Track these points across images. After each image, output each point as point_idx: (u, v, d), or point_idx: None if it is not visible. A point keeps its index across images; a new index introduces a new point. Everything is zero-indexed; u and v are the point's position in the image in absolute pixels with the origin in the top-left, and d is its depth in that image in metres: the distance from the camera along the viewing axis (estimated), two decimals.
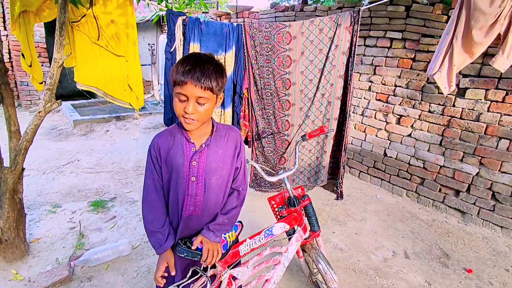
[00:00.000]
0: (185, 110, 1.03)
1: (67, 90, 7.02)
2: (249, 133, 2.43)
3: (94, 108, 6.10)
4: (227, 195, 1.27)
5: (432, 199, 3.10)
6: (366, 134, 3.57)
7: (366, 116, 3.53)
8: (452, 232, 2.73)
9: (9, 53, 5.96)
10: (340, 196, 2.60)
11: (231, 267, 1.34)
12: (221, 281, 1.30)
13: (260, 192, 2.75)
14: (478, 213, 2.80)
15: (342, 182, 2.54)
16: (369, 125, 3.52)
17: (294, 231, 1.64)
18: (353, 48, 2.15)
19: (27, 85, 6.08)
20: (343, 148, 2.37)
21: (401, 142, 3.26)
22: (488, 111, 2.64)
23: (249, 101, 2.26)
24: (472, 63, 2.54)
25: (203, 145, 1.15)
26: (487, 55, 2.53)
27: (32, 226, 2.51)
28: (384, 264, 2.29)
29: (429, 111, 2.99)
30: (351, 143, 3.74)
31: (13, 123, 2.05)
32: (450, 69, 1.96)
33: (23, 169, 2.09)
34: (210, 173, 1.17)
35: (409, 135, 3.18)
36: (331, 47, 2.16)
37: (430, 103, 2.98)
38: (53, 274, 1.97)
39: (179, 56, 2.05)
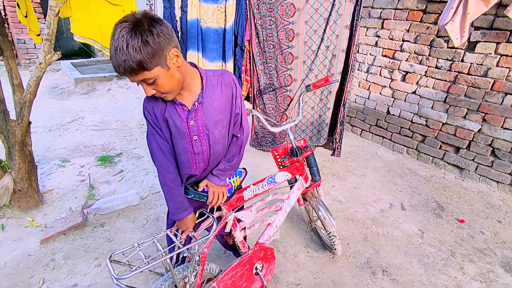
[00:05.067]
0: (146, 95, 0.98)
1: (65, 49, 6.88)
2: (250, 89, 2.40)
3: (94, 67, 5.99)
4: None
5: (432, 156, 3.15)
6: (370, 92, 3.53)
7: (371, 73, 3.46)
8: (449, 187, 2.82)
9: (4, 9, 5.73)
10: (334, 152, 2.59)
11: (235, 210, 1.42)
12: (226, 223, 1.39)
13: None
14: (476, 169, 2.86)
15: (338, 139, 2.52)
16: (373, 83, 3.46)
17: (296, 180, 1.71)
18: None
19: (24, 42, 5.93)
20: (343, 103, 2.35)
21: (405, 100, 3.23)
22: (497, 66, 2.57)
23: (251, 54, 2.20)
24: (485, 14, 2.44)
25: (196, 104, 1.07)
26: (501, 5, 2.40)
27: (44, 179, 2.62)
28: (381, 215, 2.39)
29: (436, 67, 2.92)
30: (355, 101, 3.71)
31: (15, 76, 2.04)
32: (464, 18, 1.88)
33: (29, 122, 2.13)
34: (211, 127, 1.13)
35: (414, 92, 3.14)
36: None
37: (438, 59, 2.90)
38: (68, 220, 2.10)
39: (177, 3, 1.96)
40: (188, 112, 1.08)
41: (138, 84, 0.94)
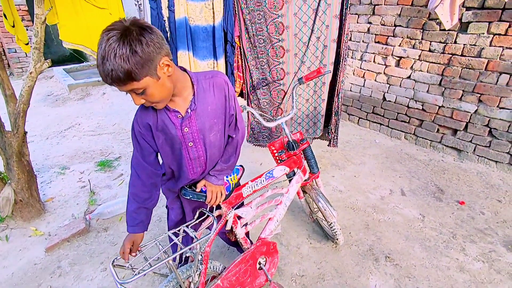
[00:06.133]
0: (135, 104, 0.96)
1: (57, 56, 6.83)
2: (244, 85, 2.39)
3: (87, 71, 5.96)
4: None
5: (430, 140, 3.16)
6: (365, 80, 3.51)
7: (365, 61, 3.44)
8: (448, 169, 2.83)
9: None
10: (331, 142, 2.58)
11: (235, 207, 1.43)
12: (226, 221, 1.40)
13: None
14: (474, 150, 2.86)
15: (334, 129, 2.51)
16: (368, 70, 3.45)
17: (294, 174, 1.71)
18: None
19: (15, 51, 5.89)
20: (336, 93, 2.34)
21: (400, 85, 3.22)
22: (490, 45, 2.56)
23: (241, 50, 2.18)
24: None
25: (189, 111, 1.06)
26: None
27: (45, 187, 2.63)
28: (381, 202, 2.41)
29: (430, 50, 2.91)
30: (350, 90, 3.70)
31: (7, 87, 2.03)
32: (453, 0, 1.86)
33: (25, 132, 2.13)
34: (206, 132, 1.13)
35: (409, 77, 3.13)
36: None
37: (430, 42, 2.88)
38: (71, 227, 2.11)
39: (164, 3, 1.94)
40: (181, 119, 1.07)
41: (126, 93, 0.93)
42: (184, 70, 1.09)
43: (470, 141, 2.86)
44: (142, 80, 0.86)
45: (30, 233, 2.14)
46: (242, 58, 2.22)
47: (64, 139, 3.51)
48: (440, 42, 2.82)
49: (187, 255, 1.38)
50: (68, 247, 2.01)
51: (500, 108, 2.62)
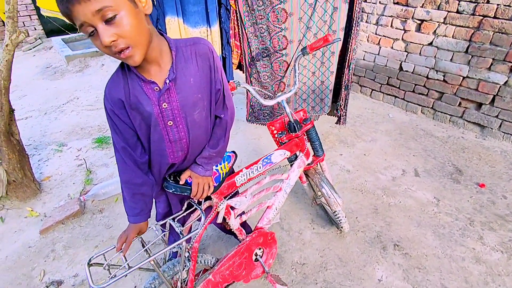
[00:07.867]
0: (103, 44, 0.73)
1: (56, 25, 6.55)
2: (242, 56, 2.13)
3: (86, 41, 5.70)
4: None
5: (449, 115, 2.89)
6: (380, 47, 3.18)
7: (381, 25, 3.08)
8: (468, 147, 2.59)
9: None
10: (340, 120, 2.35)
11: (227, 198, 1.29)
12: (218, 212, 1.26)
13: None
14: (500, 126, 2.60)
15: (343, 105, 2.27)
16: (384, 36, 3.10)
17: (296, 157, 1.55)
18: None
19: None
20: (347, 65, 2.06)
21: (420, 53, 2.89)
22: None
23: (238, 14, 1.90)
24: None
25: (167, 82, 0.89)
26: None
27: (42, 166, 2.56)
28: (392, 183, 2.24)
29: (457, 12, 2.54)
30: (363, 59, 3.38)
31: None
32: None
33: (12, 110, 2.01)
34: (189, 109, 0.96)
35: (430, 44, 2.79)
36: None
37: (459, 1, 2.51)
38: (66, 209, 2.05)
39: None
40: (159, 92, 0.90)
41: (92, 32, 0.73)
42: (161, 33, 0.91)
43: (496, 116, 2.59)
44: None
45: (26, 213, 2.09)
46: (239, 24, 1.95)
47: (62, 114, 3.39)
48: (470, 1, 2.45)
49: (174, 251, 1.27)
50: (62, 229, 1.96)
51: None
